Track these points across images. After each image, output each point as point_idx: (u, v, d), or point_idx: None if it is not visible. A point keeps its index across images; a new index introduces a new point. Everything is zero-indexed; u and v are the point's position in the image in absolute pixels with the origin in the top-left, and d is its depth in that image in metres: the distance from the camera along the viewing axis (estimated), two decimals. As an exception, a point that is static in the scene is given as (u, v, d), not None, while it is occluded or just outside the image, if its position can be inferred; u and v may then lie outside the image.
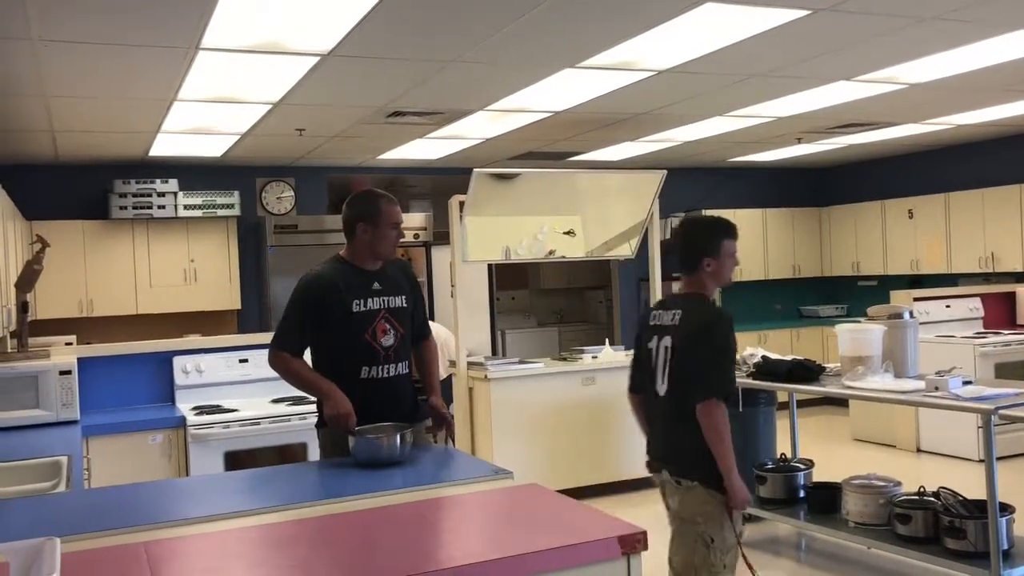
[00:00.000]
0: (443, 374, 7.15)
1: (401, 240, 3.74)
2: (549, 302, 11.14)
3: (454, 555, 2.04)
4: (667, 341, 3.27)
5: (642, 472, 6.38)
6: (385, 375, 3.40)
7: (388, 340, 3.41)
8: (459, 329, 6.35)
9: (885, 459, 6.88)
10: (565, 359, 6.56)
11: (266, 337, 5.58)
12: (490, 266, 8.34)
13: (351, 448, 3.06)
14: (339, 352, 3.37)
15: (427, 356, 3.68)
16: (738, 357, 5.37)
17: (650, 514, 5.84)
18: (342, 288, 3.37)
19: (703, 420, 3.11)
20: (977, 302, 7.68)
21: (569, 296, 11.22)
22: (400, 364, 3.45)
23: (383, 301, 3.43)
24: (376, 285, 3.44)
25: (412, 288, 3.62)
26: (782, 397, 5.63)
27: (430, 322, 7.68)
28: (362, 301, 3.38)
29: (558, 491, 2.62)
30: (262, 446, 4.76)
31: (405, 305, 3.51)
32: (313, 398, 3.58)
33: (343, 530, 2.29)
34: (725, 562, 3.20)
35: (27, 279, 5.05)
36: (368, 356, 3.37)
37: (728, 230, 3.51)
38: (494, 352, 8.58)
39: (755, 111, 6.49)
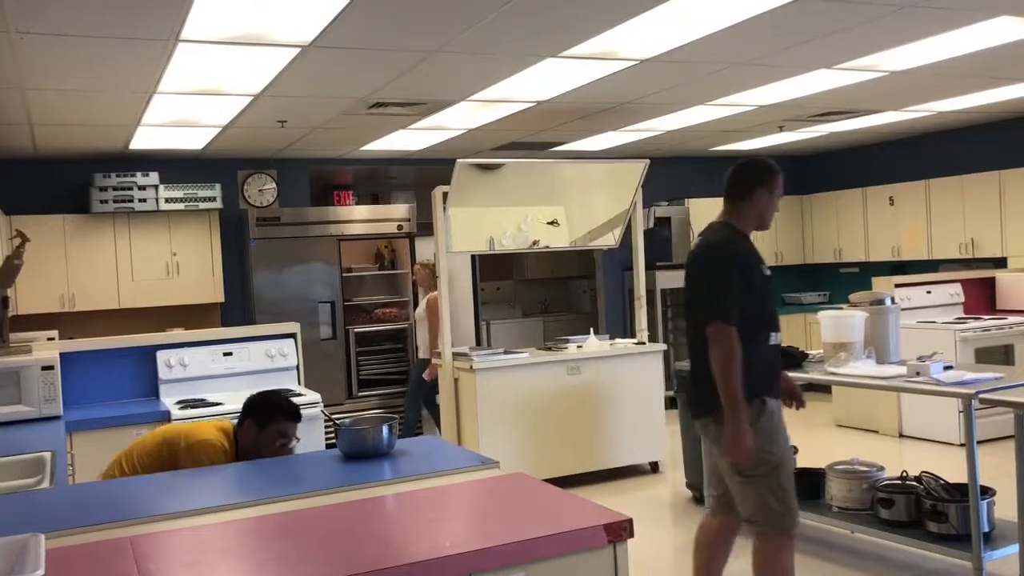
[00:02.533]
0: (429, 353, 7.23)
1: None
2: (533, 292, 11.14)
3: (441, 545, 2.04)
4: None
5: (627, 460, 6.46)
6: (779, 342, 3.41)
7: (775, 307, 3.43)
8: (444, 319, 6.35)
9: (868, 444, 6.94)
10: (550, 349, 6.57)
11: (250, 330, 5.63)
12: (473, 257, 8.34)
13: (337, 441, 3.06)
14: (753, 317, 3.27)
15: None
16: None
17: (636, 502, 5.90)
18: (754, 250, 3.36)
19: None
20: (957, 288, 7.74)
21: (553, 286, 11.23)
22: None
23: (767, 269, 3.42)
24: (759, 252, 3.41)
25: None
26: (766, 384, 5.65)
27: (434, 294, 7.70)
28: (765, 266, 3.37)
29: (544, 480, 2.63)
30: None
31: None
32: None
33: (329, 522, 2.29)
34: None
35: (7, 274, 5.01)
36: (773, 322, 3.38)
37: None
38: (478, 342, 8.60)
39: (737, 99, 6.51)
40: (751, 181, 3.44)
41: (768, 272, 3.41)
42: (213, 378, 5.24)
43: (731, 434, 3.22)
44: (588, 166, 7.19)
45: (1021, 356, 7.19)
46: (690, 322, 3.53)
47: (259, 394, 3.39)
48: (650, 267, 8.41)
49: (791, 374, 4.89)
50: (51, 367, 4.52)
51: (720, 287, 3.26)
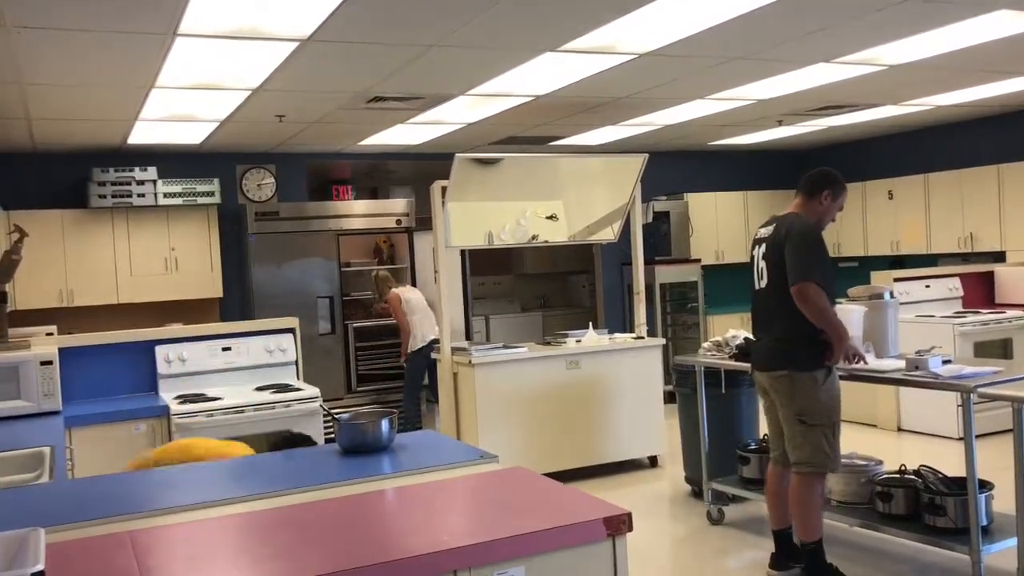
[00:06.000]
0: (431, 336, 7.30)
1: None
2: (532, 287, 11.15)
3: (440, 539, 2.04)
4: None
5: (626, 455, 6.48)
6: None
7: None
8: (443, 314, 6.35)
9: (867, 438, 6.95)
10: (549, 343, 6.57)
11: (249, 325, 5.63)
12: (463, 251, 8.34)
13: (336, 436, 3.07)
14: (828, 291, 3.98)
15: None
16: (720, 339, 5.42)
17: (635, 496, 5.91)
18: None
19: None
20: (956, 282, 7.75)
21: (552, 280, 11.24)
22: None
23: None
24: None
25: None
26: (764, 378, 5.65)
27: (415, 289, 8.00)
28: None
29: (543, 474, 2.63)
30: (246, 434, 4.74)
31: None
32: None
33: (329, 516, 2.29)
34: None
35: (5, 269, 5.00)
36: (833, 297, 4.07)
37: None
38: (468, 336, 8.60)
39: (736, 94, 6.50)
40: (819, 184, 4.17)
41: None
42: (212, 373, 5.24)
43: (849, 350, 4.07)
44: (587, 161, 7.18)
45: (1020, 350, 7.19)
46: (770, 293, 4.11)
47: None
48: (649, 262, 8.41)
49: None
50: (50, 362, 4.52)
51: (803, 255, 3.96)
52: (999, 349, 7.10)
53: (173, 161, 7.77)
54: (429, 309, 7.53)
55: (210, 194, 7.70)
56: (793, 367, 4.02)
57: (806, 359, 4.01)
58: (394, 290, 7.63)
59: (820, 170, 4.27)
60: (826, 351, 4.00)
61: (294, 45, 4.49)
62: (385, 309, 7.80)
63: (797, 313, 3.95)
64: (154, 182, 7.51)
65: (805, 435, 4.04)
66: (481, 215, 6.36)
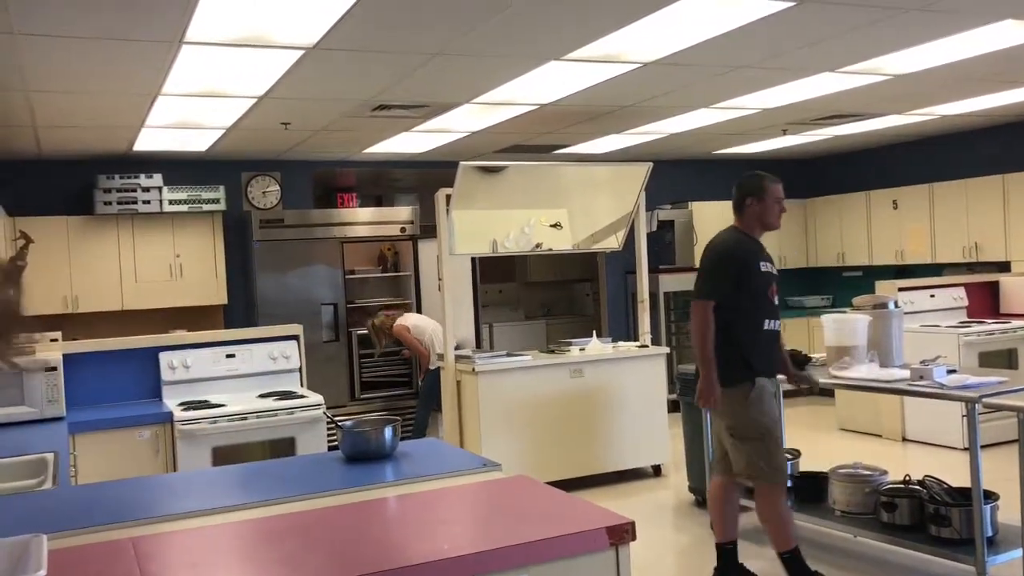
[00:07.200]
0: (434, 365, 7.22)
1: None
2: (536, 295, 11.14)
3: (443, 547, 2.04)
4: None
5: (630, 463, 6.46)
6: (776, 328, 4.12)
7: (775, 300, 4.11)
8: (448, 323, 6.35)
9: (871, 448, 6.93)
10: (553, 352, 6.57)
11: (253, 332, 5.64)
12: (474, 259, 8.34)
13: (340, 443, 3.06)
14: (749, 306, 4.00)
15: None
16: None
17: (638, 505, 5.90)
18: (754, 250, 4.06)
19: None
20: (961, 291, 7.73)
21: (556, 289, 11.23)
22: (779, 322, 4.15)
23: (772, 267, 4.12)
24: (765, 253, 4.11)
25: None
26: (769, 388, 5.64)
27: (419, 315, 7.90)
28: (764, 263, 4.06)
29: (546, 483, 2.63)
30: (250, 441, 4.75)
31: (777, 274, 4.18)
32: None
33: (332, 524, 2.29)
34: None
35: (10, 275, 5.01)
36: (769, 311, 4.06)
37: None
38: (479, 345, 8.59)
39: (740, 103, 6.51)
40: (740, 195, 4.15)
41: (767, 269, 4.08)
42: (216, 380, 5.24)
43: (703, 385, 4.01)
44: (591, 169, 7.18)
45: (1025, 360, 7.18)
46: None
47: None
48: (653, 270, 8.40)
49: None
50: (54, 368, 4.53)
51: (706, 275, 4.06)
52: (1004, 359, 7.08)
53: (178, 168, 7.79)
54: (439, 325, 7.45)
55: (215, 201, 7.72)
56: (720, 382, 4.02)
57: (729, 374, 4.01)
58: (397, 322, 7.51)
59: (736, 185, 4.21)
60: (747, 367, 4.00)
61: (300, 53, 4.50)
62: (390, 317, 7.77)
63: (720, 329, 3.99)
64: (159, 189, 7.53)
65: (738, 448, 4.07)
66: (485, 223, 6.36)
